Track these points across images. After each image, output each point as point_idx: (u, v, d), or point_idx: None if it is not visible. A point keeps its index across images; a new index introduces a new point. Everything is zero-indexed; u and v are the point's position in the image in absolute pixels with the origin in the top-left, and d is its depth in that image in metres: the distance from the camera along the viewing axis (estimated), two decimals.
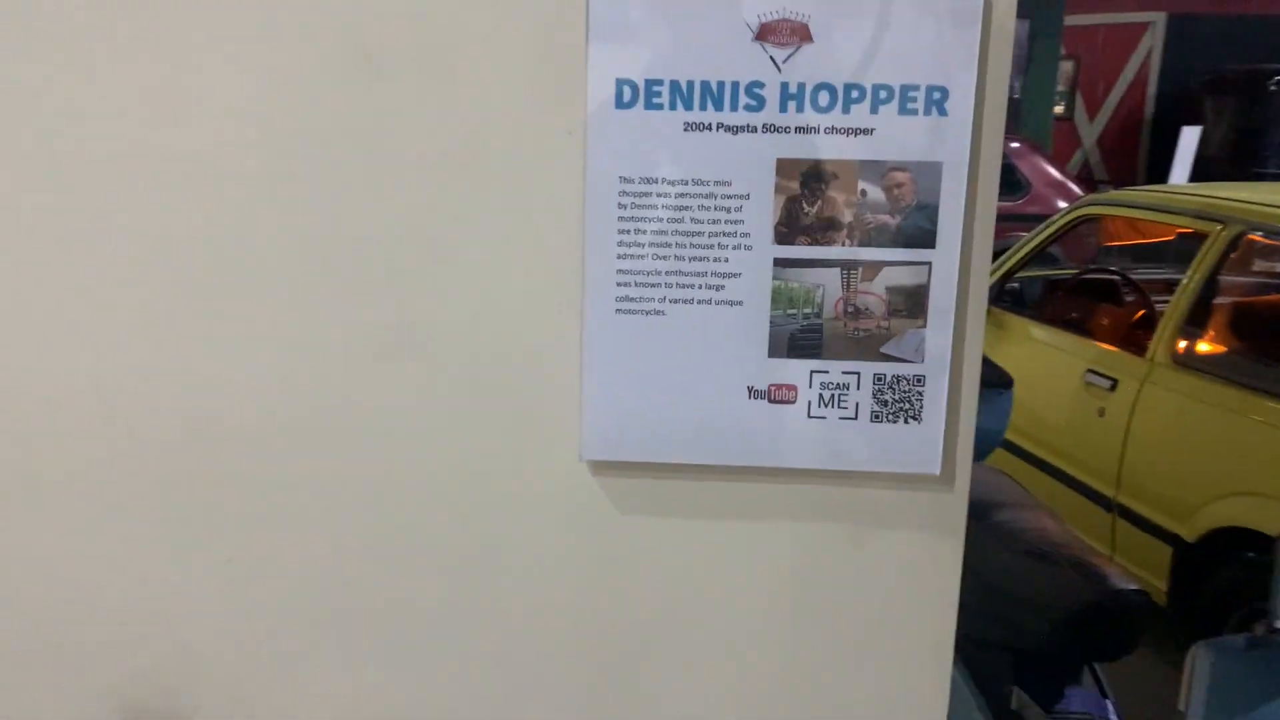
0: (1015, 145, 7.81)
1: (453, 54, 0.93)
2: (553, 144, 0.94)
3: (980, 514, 2.37)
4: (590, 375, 0.98)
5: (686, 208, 0.95)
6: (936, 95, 0.92)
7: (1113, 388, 3.55)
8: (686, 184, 0.94)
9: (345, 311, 0.97)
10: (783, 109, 0.93)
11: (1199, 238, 3.52)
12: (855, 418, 0.98)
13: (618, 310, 0.97)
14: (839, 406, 0.98)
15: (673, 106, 0.93)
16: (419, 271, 0.97)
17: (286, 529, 1.02)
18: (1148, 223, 4.27)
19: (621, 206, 0.95)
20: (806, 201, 0.94)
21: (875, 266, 0.95)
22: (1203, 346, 3.34)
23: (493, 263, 0.96)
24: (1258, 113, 8.55)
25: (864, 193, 0.94)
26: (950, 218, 0.94)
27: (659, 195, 0.95)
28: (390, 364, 0.98)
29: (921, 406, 0.98)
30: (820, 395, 0.98)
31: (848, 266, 0.95)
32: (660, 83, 0.93)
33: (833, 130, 0.93)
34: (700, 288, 0.96)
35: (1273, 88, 8.68)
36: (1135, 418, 3.44)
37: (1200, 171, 6.93)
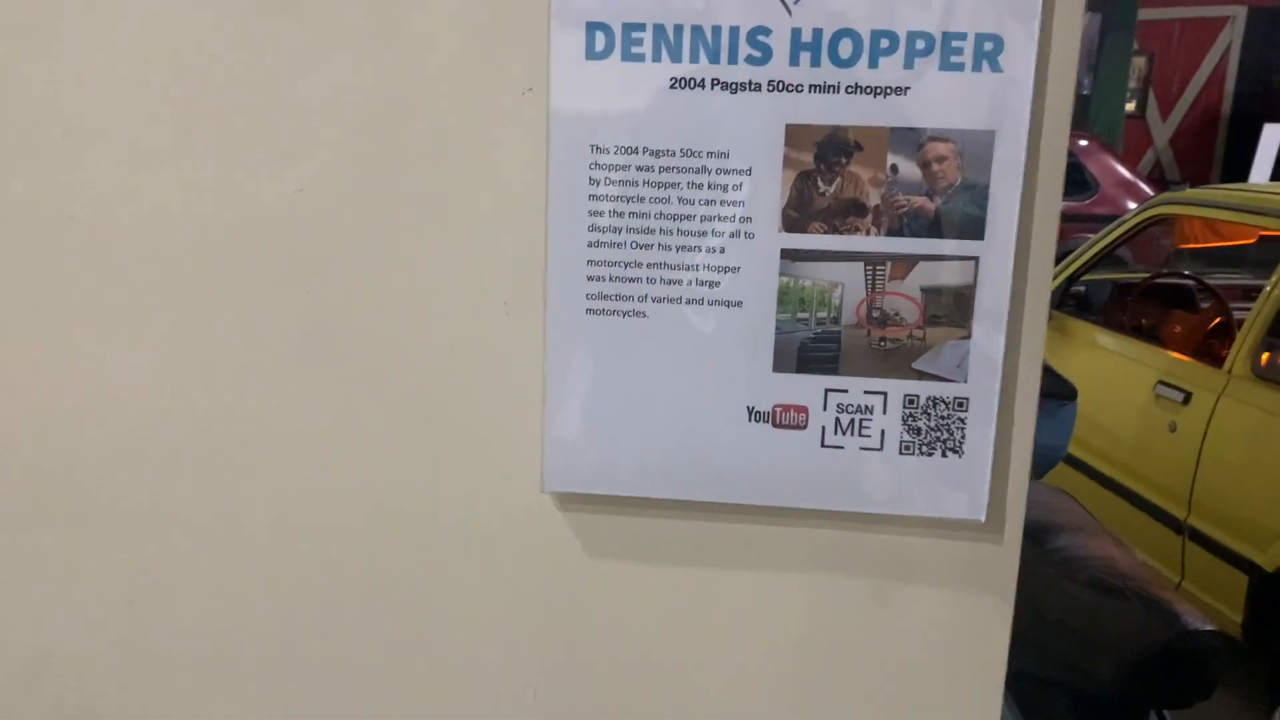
0: (1084, 143, 7.48)
1: None
2: (507, 104, 0.76)
3: (1038, 539, 2.17)
4: (554, 389, 0.80)
5: (674, 185, 0.77)
6: (988, 46, 0.73)
7: (1185, 401, 3.29)
8: (674, 155, 0.76)
9: (247, 309, 0.81)
10: (793, 62, 0.74)
11: None
12: (880, 448, 0.79)
13: (589, 310, 0.79)
14: (860, 434, 0.79)
15: (657, 58, 0.75)
16: (339, 260, 0.80)
17: (193, 568, 0.85)
18: (1227, 224, 3.98)
19: (593, 182, 0.77)
20: (823, 179, 0.76)
21: (908, 261, 0.76)
22: None
23: (431, 250, 0.79)
24: None
25: (895, 168, 0.75)
26: (1004, 201, 0.74)
27: (640, 169, 0.77)
28: (303, 373, 0.81)
29: (963, 437, 0.78)
30: (837, 420, 0.79)
31: (873, 261, 0.76)
32: (641, 28, 0.74)
33: (856, 89, 0.74)
34: (691, 284, 0.78)
35: None
36: (1210, 434, 3.18)
37: (1278, 169, 6.56)
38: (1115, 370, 3.61)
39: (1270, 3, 9.62)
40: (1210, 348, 3.48)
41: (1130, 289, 4.05)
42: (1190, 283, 3.93)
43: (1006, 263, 0.76)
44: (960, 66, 0.73)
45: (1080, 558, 2.17)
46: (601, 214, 0.77)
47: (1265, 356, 3.10)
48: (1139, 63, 10.33)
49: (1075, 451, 3.62)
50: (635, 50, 0.75)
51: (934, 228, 0.76)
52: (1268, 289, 3.20)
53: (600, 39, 0.75)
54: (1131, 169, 8.04)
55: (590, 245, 0.78)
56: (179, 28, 0.77)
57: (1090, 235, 4.20)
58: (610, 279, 0.78)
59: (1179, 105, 10.32)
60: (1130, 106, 10.31)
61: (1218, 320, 3.67)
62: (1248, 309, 3.26)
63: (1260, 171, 6.15)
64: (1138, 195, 7.03)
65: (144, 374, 0.82)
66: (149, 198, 0.79)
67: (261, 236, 0.80)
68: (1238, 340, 3.21)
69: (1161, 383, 3.38)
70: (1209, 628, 1.94)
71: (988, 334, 0.77)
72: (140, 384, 0.82)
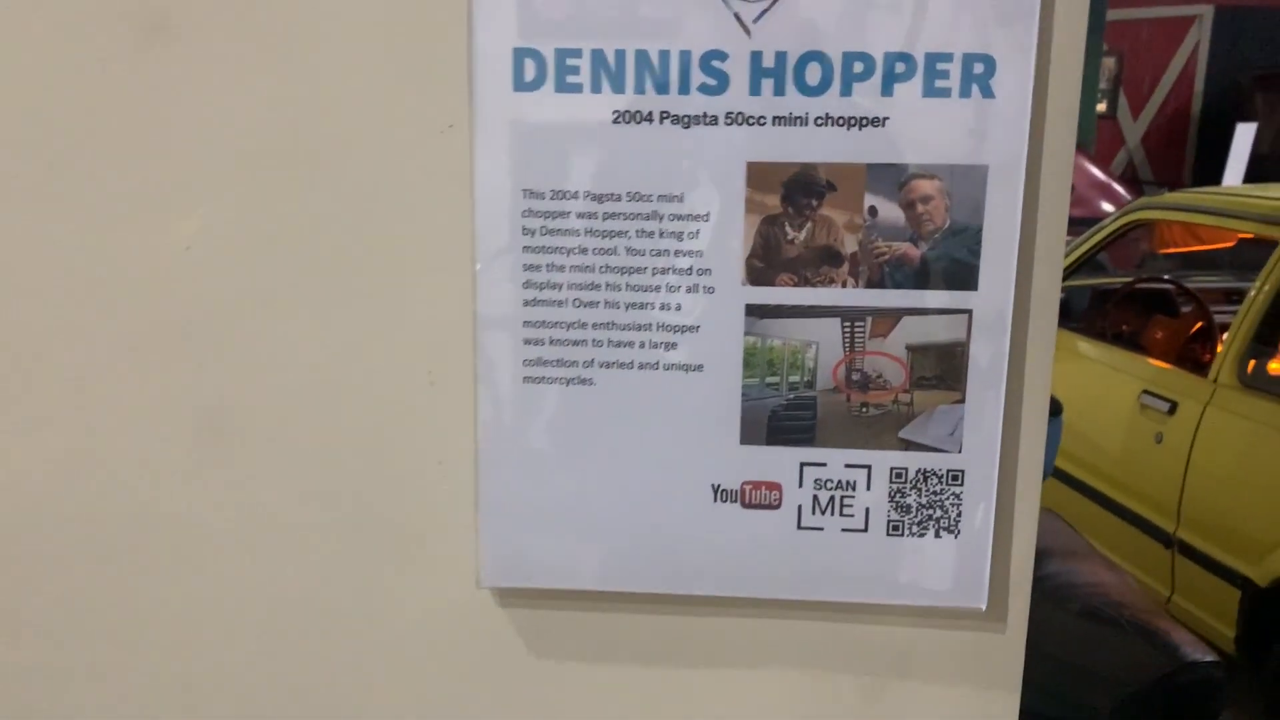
0: None
1: (277, 15, 0.65)
2: (425, 143, 0.66)
3: None
4: (489, 472, 0.70)
5: (620, 233, 0.66)
6: (978, 68, 0.63)
7: (1171, 410, 3.22)
8: (620, 199, 0.66)
9: (129, 386, 0.70)
10: (754, 90, 0.64)
11: (1267, 244, 3.17)
12: (865, 529, 0.69)
13: (526, 379, 0.69)
14: (841, 513, 0.69)
15: (596, 88, 0.65)
16: (235, 326, 0.69)
17: (78, 675, 0.74)
18: (1205, 228, 3.92)
19: (527, 232, 0.67)
20: (791, 224, 0.65)
21: (891, 316, 0.66)
22: (1276, 366, 3.00)
23: (343, 314, 0.68)
24: None
25: (874, 210, 0.65)
26: (1000, 246, 0.65)
27: (581, 216, 0.66)
28: (201, 459, 0.70)
29: (959, 514, 0.68)
30: (815, 498, 0.69)
31: (851, 316, 0.66)
32: (577, 54, 0.64)
33: (827, 120, 0.64)
34: (643, 346, 0.68)
35: None
36: (1197, 445, 3.10)
37: (1253, 170, 6.54)
38: (1099, 380, 3.53)
39: (1236, 1, 9.65)
40: (1192, 352, 3.41)
41: (1110, 295, 3.98)
42: (1170, 287, 3.87)
43: (1004, 316, 0.66)
44: (946, 92, 0.63)
45: (1072, 585, 2.09)
46: (538, 268, 0.67)
47: (1252, 364, 3.03)
48: (1109, 63, 10.34)
49: (1059, 464, 3.54)
50: (571, 80, 0.64)
51: (920, 277, 0.66)
52: (1252, 294, 3.14)
53: (530, 67, 0.64)
54: (1105, 169, 8.01)
55: (526, 304, 0.68)
56: (39, 60, 0.66)
57: (1067, 239, 4.13)
58: (550, 342, 0.68)
59: (1149, 105, 10.32)
60: (1102, 107, 10.31)
61: (1199, 324, 3.61)
62: (1227, 312, 3.20)
63: (1234, 170, 6.12)
64: (1113, 197, 6.98)
65: (12, 465, 0.71)
66: (9, 259, 0.68)
67: (144, 301, 0.69)
68: (1223, 349, 3.14)
69: (1146, 392, 3.31)
70: (1210, 658, 1.86)
71: (984, 397, 0.67)
72: (7, 478, 0.71)
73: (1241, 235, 3.78)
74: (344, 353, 0.69)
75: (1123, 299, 3.92)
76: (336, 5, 0.65)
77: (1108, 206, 6.39)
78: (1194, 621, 2.99)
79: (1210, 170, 7.30)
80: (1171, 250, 4.73)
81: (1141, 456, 3.30)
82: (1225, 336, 3.17)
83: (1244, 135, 6.04)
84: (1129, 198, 6.35)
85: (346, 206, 0.67)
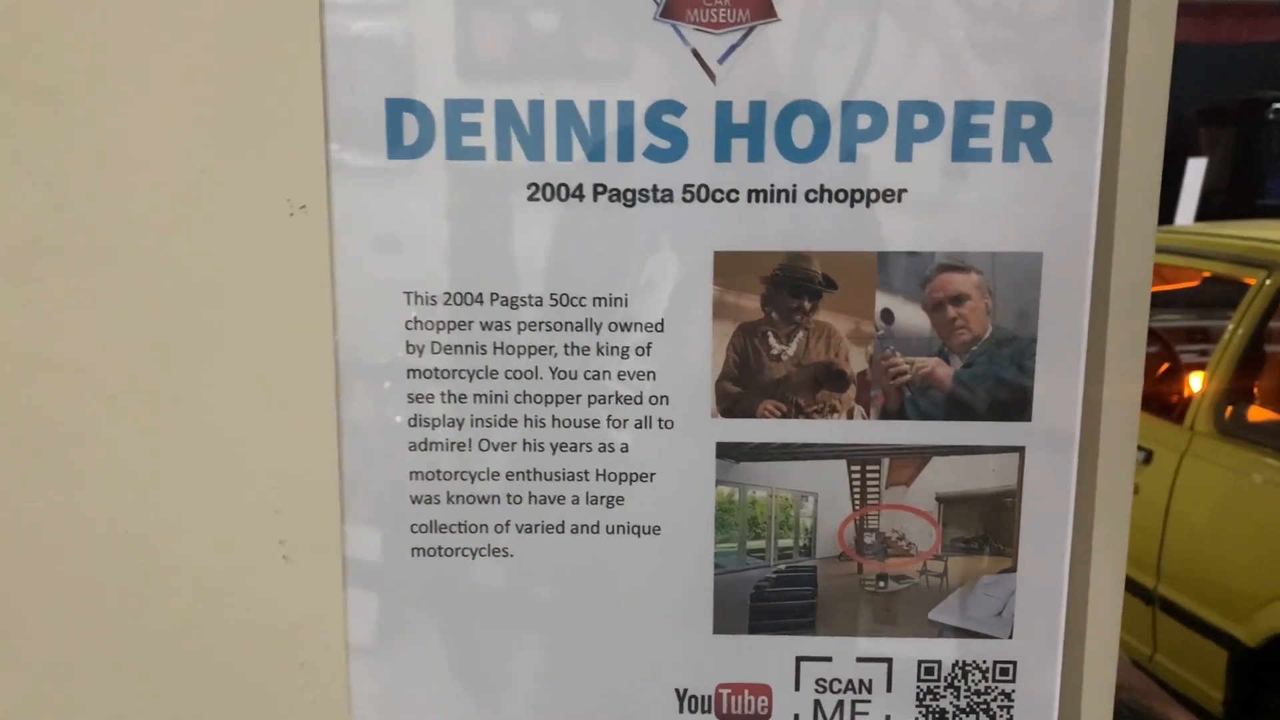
0: None
1: (60, 62, 0.46)
2: (265, 231, 0.47)
3: None
4: (363, 674, 0.50)
5: (544, 350, 0.48)
6: (1029, 122, 0.46)
7: (1147, 460, 3.09)
8: (541, 304, 0.48)
9: None
10: (721, 154, 0.46)
11: (1233, 284, 3.08)
12: None
13: (415, 551, 0.50)
14: None
15: (505, 153, 0.46)
16: (33, 483, 0.49)
17: None
18: (1169, 267, 3.84)
19: (412, 350, 0.48)
20: (777, 334, 0.48)
21: (915, 457, 0.48)
22: (1254, 413, 2.89)
23: (169, 468, 0.49)
24: (1259, 143, 8.23)
25: (888, 315, 0.47)
26: (1062, 361, 0.47)
27: (488, 327, 0.48)
28: None
29: (1011, 716, 0.50)
30: (817, 704, 0.50)
31: (862, 458, 0.49)
32: (477, 106, 0.46)
33: (823, 194, 0.46)
34: (576, 502, 0.49)
35: (1272, 116, 8.39)
36: (1176, 496, 2.97)
37: (1202, 206, 6.56)
38: None
39: (1177, 38, 9.78)
40: (1159, 394, 3.30)
41: None
42: None
43: (1067, 454, 0.48)
44: (985, 154, 0.46)
45: None
46: (429, 399, 0.48)
47: (1229, 411, 2.91)
48: None
49: None
50: (469, 142, 0.46)
51: (953, 405, 0.48)
52: (1225, 339, 3.03)
53: (411, 126, 0.46)
54: None
55: (413, 449, 0.49)
56: None
57: None
58: (448, 500, 0.49)
59: None
60: None
61: (1165, 366, 3.51)
62: (1191, 350, 3.10)
63: (1185, 207, 6.10)
64: None
65: None
66: None
67: None
68: (1198, 396, 3.03)
69: None
70: None
71: (1042, 564, 0.49)
72: None
73: (1205, 274, 3.70)
74: (175, 519, 0.49)
75: None
76: (136, 52, 0.46)
77: None
78: (1178, 682, 2.85)
79: (1162, 207, 7.31)
80: None
81: None
82: (1199, 380, 3.06)
83: (1195, 171, 6.02)
84: None
85: (162, 318, 0.48)
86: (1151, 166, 0.47)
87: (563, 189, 0.46)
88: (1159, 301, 4.69)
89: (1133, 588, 3.09)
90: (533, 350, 0.48)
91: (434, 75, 0.46)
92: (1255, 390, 3.02)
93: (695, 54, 0.45)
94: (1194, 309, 4.31)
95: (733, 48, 0.45)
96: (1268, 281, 2.99)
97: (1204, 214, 6.26)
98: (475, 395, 0.48)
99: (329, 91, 0.46)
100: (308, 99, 0.46)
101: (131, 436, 0.49)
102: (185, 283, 0.48)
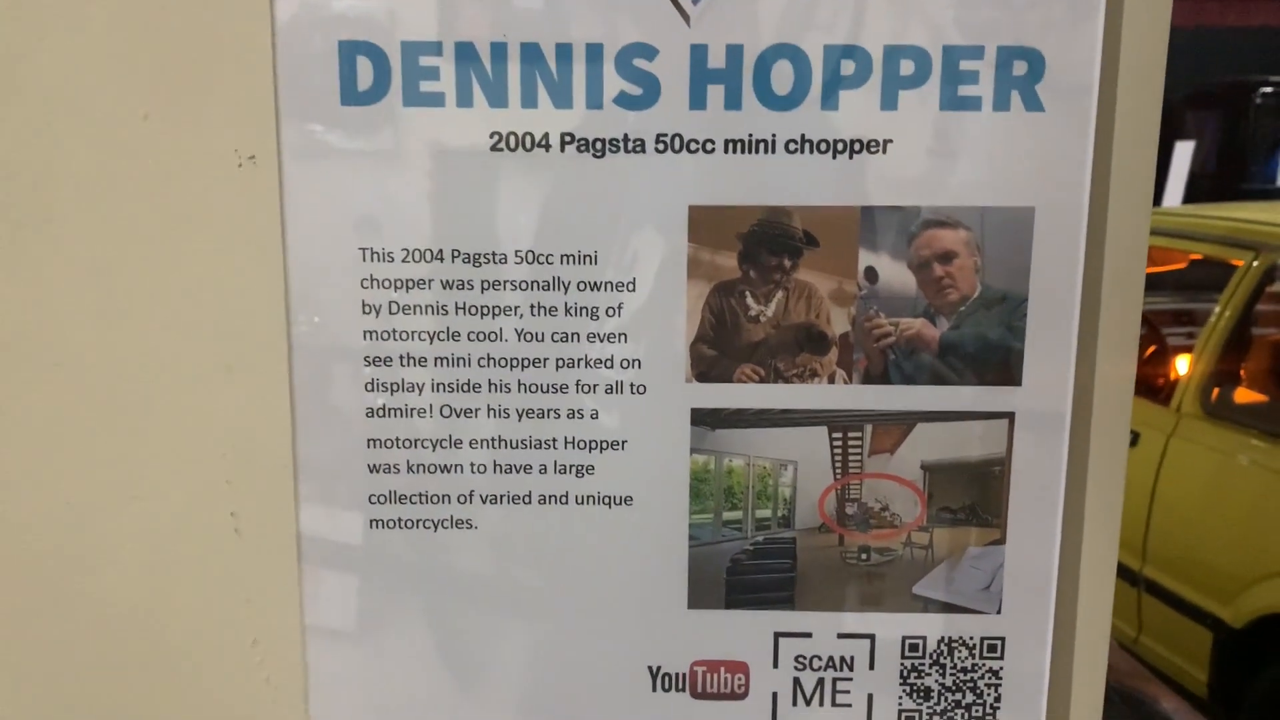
0: None
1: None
2: (210, 184, 0.44)
3: None
4: (320, 652, 0.48)
5: (508, 310, 0.45)
6: (1021, 68, 0.43)
7: (1134, 442, 3.08)
8: (504, 261, 0.45)
9: None
10: (697, 101, 0.43)
11: (1220, 266, 3.07)
12: None
13: (374, 523, 0.47)
14: (835, 704, 0.48)
15: (466, 100, 0.44)
16: None
17: None
18: (1159, 249, 3.83)
19: (369, 310, 0.45)
20: (755, 293, 0.45)
21: (900, 424, 0.46)
22: (1241, 394, 2.88)
23: (112, 442, 0.46)
24: (1244, 127, 8.24)
25: (872, 274, 0.45)
26: (1054, 322, 0.45)
27: (449, 286, 0.45)
28: None
29: (998, 699, 0.48)
30: (796, 682, 0.48)
31: (844, 425, 0.46)
32: (436, 49, 0.43)
33: (804, 145, 0.44)
34: (544, 471, 0.47)
35: (1259, 100, 8.40)
36: (1162, 478, 2.97)
37: (1189, 189, 6.57)
38: None
39: None
40: (1147, 376, 3.30)
41: None
42: None
43: (1059, 420, 0.46)
44: (975, 103, 0.44)
45: None
46: (387, 362, 0.46)
47: (1216, 392, 2.91)
48: None
49: None
50: (428, 88, 0.44)
51: (939, 369, 0.46)
52: (1212, 321, 3.02)
53: (366, 70, 0.43)
54: None
55: (371, 415, 0.46)
56: None
57: None
58: (409, 470, 0.47)
59: None
60: None
61: (1152, 348, 3.51)
62: (1178, 333, 3.09)
63: (1173, 189, 6.10)
64: None
65: None
66: None
67: None
68: (1185, 378, 3.02)
69: None
70: None
71: (1032, 536, 0.47)
72: None
73: (1193, 256, 3.70)
74: (111, 487, 0.47)
75: None
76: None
77: None
78: (1162, 663, 2.86)
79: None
80: None
81: None
82: (1186, 362, 3.05)
83: (1183, 154, 6.02)
84: None
85: (90, 287, 0.45)
86: (1150, 115, 0.44)
87: (528, 138, 0.44)
88: (1146, 284, 4.70)
89: (1118, 569, 3.10)
90: (497, 311, 0.45)
91: (390, 16, 0.43)
92: (1242, 372, 3.02)
93: None
94: (1181, 292, 4.32)
95: None
96: (1255, 263, 2.99)
97: (1191, 198, 6.26)
98: (436, 359, 0.46)
99: (277, 33, 0.43)
100: (255, 41, 0.43)
101: (72, 402, 0.46)
102: (126, 239, 0.45)
